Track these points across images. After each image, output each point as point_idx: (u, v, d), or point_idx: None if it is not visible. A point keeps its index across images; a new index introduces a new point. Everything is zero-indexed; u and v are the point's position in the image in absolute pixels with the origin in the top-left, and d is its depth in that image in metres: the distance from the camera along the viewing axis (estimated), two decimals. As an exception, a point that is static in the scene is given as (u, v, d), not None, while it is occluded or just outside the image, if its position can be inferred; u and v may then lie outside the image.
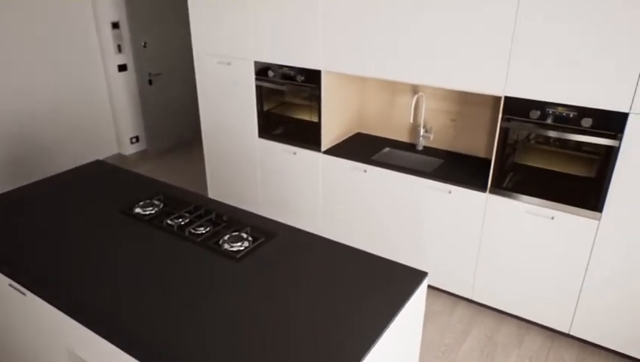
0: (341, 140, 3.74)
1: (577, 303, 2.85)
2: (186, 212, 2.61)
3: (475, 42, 2.72)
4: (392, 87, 3.64)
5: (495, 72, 2.70)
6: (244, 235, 2.38)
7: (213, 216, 2.55)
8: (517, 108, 2.69)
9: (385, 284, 2.02)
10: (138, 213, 2.59)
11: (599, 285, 2.75)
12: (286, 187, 3.84)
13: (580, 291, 2.82)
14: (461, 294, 3.29)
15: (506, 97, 2.72)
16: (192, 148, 6.25)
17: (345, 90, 3.62)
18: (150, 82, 5.67)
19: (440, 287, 3.38)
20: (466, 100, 3.36)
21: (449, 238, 3.18)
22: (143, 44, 5.45)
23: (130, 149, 5.79)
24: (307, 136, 3.59)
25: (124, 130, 5.67)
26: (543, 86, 2.58)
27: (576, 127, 2.55)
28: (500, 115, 2.76)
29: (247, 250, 2.28)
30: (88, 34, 5.15)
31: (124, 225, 2.49)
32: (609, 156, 2.51)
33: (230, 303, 1.92)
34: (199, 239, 2.37)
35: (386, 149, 3.61)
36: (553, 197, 2.74)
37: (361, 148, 3.59)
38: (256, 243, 2.33)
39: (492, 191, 2.93)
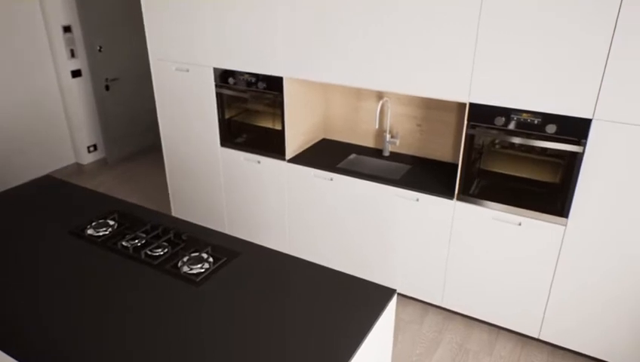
0: (306, 147, 3.65)
1: (546, 308, 2.85)
2: (142, 232, 2.47)
3: (438, 49, 2.66)
4: (357, 92, 3.57)
5: (459, 78, 2.65)
6: (205, 256, 2.26)
7: (171, 235, 2.41)
8: (482, 114, 2.66)
9: (354, 303, 1.94)
10: (90, 235, 2.44)
11: (567, 290, 2.75)
12: (251, 197, 3.72)
13: (549, 296, 2.81)
14: (431, 301, 3.25)
15: (470, 104, 2.68)
16: (154, 153, 6.03)
17: (309, 96, 3.52)
18: (107, 88, 5.43)
19: (409, 295, 3.33)
20: (431, 105, 3.31)
21: (417, 246, 3.13)
22: (98, 48, 5.21)
23: (88, 158, 5.54)
24: (271, 144, 3.48)
25: (80, 138, 5.42)
26: (507, 92, 2.55)
27: (540, 133, 2.53)
28: (466, 122, 2.72)
29: (208, 272, 2.17)
30: (38, 39, 4.89)
31: (73, 248, 2.32)
32: (573, 162, 2.50)
33: (190, 330, 1.80)
34: (156, 262, 2.24)
35: (352, 156, 3.54)
36: (520, 204, 2.72)
37: (327, 155, 3.50)
38: (218, 263, 2.22)
39: (459, 198, 2.89)
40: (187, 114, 3.76)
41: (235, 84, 3.43)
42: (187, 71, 3.60)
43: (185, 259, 2.25)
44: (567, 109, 2.43)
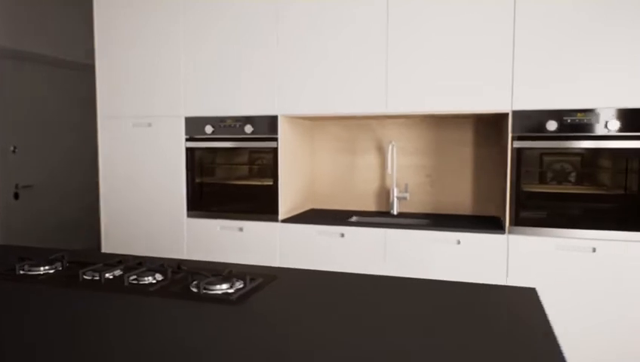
0: (294, 214, 2.99)
1: (646, 361, 2.21)
2: (106, 265, 1.59)
3: (471, 57, 2.42)
4: (352, 147, 3.14)
5: (499, 85, 2.38)
6: (237, 279, 1.44)
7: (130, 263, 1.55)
8: (528, 122, 2.34)
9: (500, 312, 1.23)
10: (25, 275, 1.50)
11: (668, 329, 2.18)
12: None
13: (647, 343, 2.21)
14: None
15: (514, 112, 2.36)
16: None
17: (298, 153, 3.01)
18: (16, 196, 4.43)
19: None
20: (439, 150, 2.96)
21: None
22: (11, 148, 4.36)
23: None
24: (259, 204, 2.80)
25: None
26: (554, 94, 2.29)
27: (603, 134, 2.23)
28: (510, 135, 2.37)
29: (245, 290, 1.35)
30: None
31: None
32: (645, 161, 2.19)
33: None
34: (152, 289, 1.37)
35: (354, 218, 2.94)
36: (590, 225, 2.28)
37: (322, 220, 2.83)
38: (256, 283, 1.41)
39: (511, 231, 2.38)
40: (143, 181, 2.99)
41: (213, 132, 2.84)
42: (149, 125, 2.96)
43: (201, 282, 1.41)
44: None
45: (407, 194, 2.95)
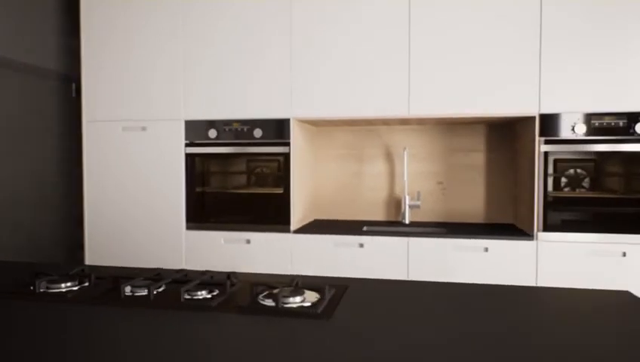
0: (302, 225, 2.80)
1: None
2: (146, 279, 1.36)
3: (499, 60, 2.36)
4: (359, 154, 3.00)
5: (526, 87, 2.33)
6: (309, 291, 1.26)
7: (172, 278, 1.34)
8: (555, 125, 2.30)
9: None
10: (46, 292, 1.25)
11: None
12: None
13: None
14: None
15: (541, 115, 2.32)
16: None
17: (305, 160, 2.84)
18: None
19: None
20: (452, 160, 2.88)
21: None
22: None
23: None
24: (268, 214, 2.60)
25: None
26: (583, 96, 2.27)
27: (632, 137, 2.23)
28: (537, 138, 2.32)
29: (326, 302, 1.17)
30: None
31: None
32: (672, 164, 2.19)
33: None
34: (214, 304, 1.17)
35: (365, 229, 2.79)
36: (618, 229, 2.25)
37: (337, 230, 2.66)
38: (331, 294, 1.24)
39: (540, 238, 2.32)
40: (133, 188, 2.72)
41: (217, 137, 2.63)
42: (143, 129, 2.70)
43: (279, 295, 1.21)
44: (654, 104, 2.20)
45: (419, 202, 2.84)
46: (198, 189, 2.68)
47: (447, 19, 2.40)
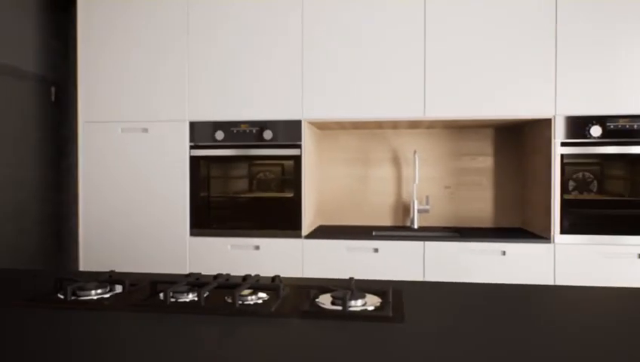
0: (310, 231, 2.71)
1: None
2: (189, 284, 1.26)
3: (514, 61, 2.35)
4: (365, 158, 2.94)
5: (541, 89, 2.33)
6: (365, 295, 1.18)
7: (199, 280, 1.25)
8: (572, 127, 2.30)
9: None
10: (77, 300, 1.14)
11: None
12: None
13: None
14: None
15: (557, 117, 2.32)
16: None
17: (313, 163, 2.76)
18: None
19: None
20: (458, 166, 2.86)
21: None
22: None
23: None
24: (279, 219, 2.50)
25: None
26: (599, 98, 2.28)
27: (643, 140, 2.24)
28: (553, 140, 2.31)
29: (388, 306, 1.09)
30: None
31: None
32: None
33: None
34: (272, 309, 1.08)
35: (374, 233, 2.72)
36: (629, 230, 2.25)
37: (349, 235, 2.58)
38: (389, 298, 1.17)
39: (557, 240, 2.30)
40: (133, 193, 2.58)
41: (224, 139, 2.52)
42: (145, 131, 2.57)
43: (345, 298, 1.13)
44: (668, 107, 2.23)
45: (428, 207, 2.79)
46: (203, 194, 2.56)
47: (462, 20, 2.38)
